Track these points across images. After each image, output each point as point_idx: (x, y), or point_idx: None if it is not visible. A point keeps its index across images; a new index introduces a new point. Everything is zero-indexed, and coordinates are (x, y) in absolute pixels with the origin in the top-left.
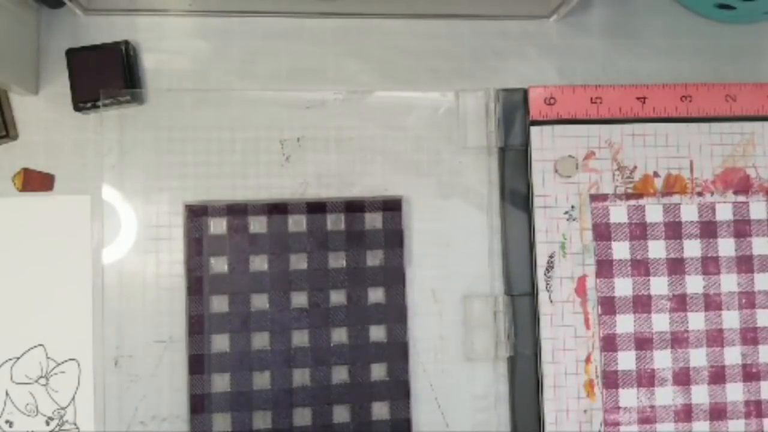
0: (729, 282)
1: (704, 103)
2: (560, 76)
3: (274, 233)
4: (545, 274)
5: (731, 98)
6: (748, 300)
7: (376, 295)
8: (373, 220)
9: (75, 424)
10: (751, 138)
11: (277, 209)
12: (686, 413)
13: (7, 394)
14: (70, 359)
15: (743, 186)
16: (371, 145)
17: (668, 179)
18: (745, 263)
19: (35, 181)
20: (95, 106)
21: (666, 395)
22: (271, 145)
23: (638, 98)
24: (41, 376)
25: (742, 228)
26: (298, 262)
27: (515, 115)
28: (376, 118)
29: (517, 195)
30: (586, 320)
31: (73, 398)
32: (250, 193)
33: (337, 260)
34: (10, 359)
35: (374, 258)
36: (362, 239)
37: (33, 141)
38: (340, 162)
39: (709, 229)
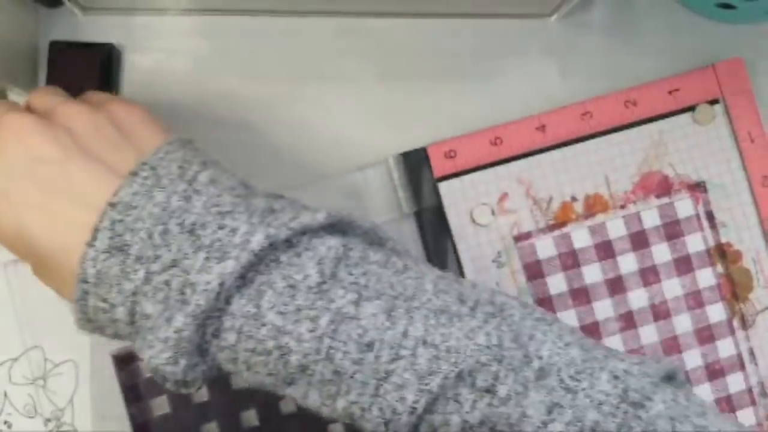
0: (672, 287)
1: (605, 115)
2: (561, 75)
3: None
4: None
5: (631, 103)
6: (696, 300)
7: None
8: None
9: (73, 425)
10: (660, 138)
11: None
12: None
13: (5, 395)
14: (68, 360)
15: (664, 187)
16: None
17: (587, 201)
18: (684, 264)
19: None
20: None
21: None
22: None
23: (537, 128)
24: (39, 377)
25: (672, 230)
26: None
27: (421, 176)
28: None
29: (442, 254)
30: None
31: (71, 399)
32: None
33: None
34: (8, 360)
35: None
36: None
37: None
38: None
39: (640, 240)
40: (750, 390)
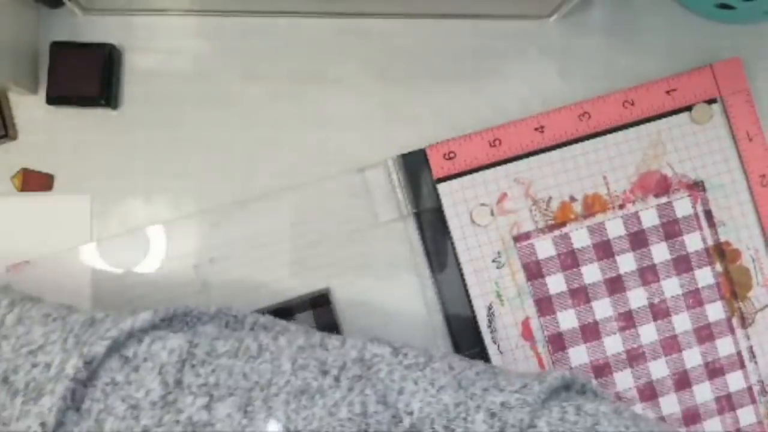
0: (671, 286)
1: (603, 115)
2: (560, 76)
3: None
4: (488, 327)
5: (629, 103)
6: (695, 299)
7: None
8: (307, 320)
9: None
10: (659, 137)
11: None
12: None
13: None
14: None
15: (662, 187)
16: (293, 245)
17: (586, 201)
18: (683, 263)
19: (34, 181)
20: (65, 103)
21: None
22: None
23: (536, 129)
24: None
25: (671, 229)
26: None
27: (420, 177)
28: (285, 219)
29: (442, 255)
30: (540, 361)
31: None
32: None
33: None
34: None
35: None
36: None
37: (32, 141)
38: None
39: (639, 240)
40: (750, 388)
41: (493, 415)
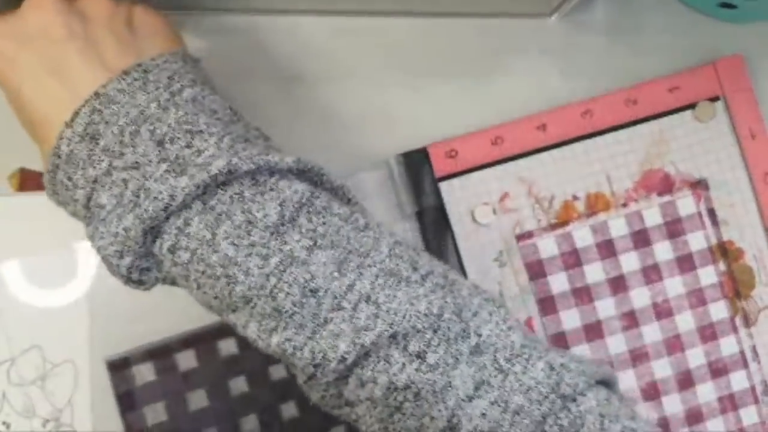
0: (674, 285)
1: (605, 113)
2: (562, 74)
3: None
4: None
5: (631, 102)
6: (698, 298)
7: None
8: None
9: (72, 426)
10: (661, 135)
11: (203, 339)
12: (663, 426)
13: (3, 396)
14: (67, 361)
15: (666, 185)
16: None
17: (589, 199)
18: (686, 262)
19: (32, 181)
20: None
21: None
22: None
23: (538, 127)
24: (38, 378)
25: (674, 228)
26: (238, 385)
27: (422, 176)
28: None
29: (444, 254)
30: None
31: (70, 400)
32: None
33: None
34: (7, 361)
35: None
36: None
37: (30, 140)
38: None
39: (642, 238)
40: (753, 388)
41: (552, 368)
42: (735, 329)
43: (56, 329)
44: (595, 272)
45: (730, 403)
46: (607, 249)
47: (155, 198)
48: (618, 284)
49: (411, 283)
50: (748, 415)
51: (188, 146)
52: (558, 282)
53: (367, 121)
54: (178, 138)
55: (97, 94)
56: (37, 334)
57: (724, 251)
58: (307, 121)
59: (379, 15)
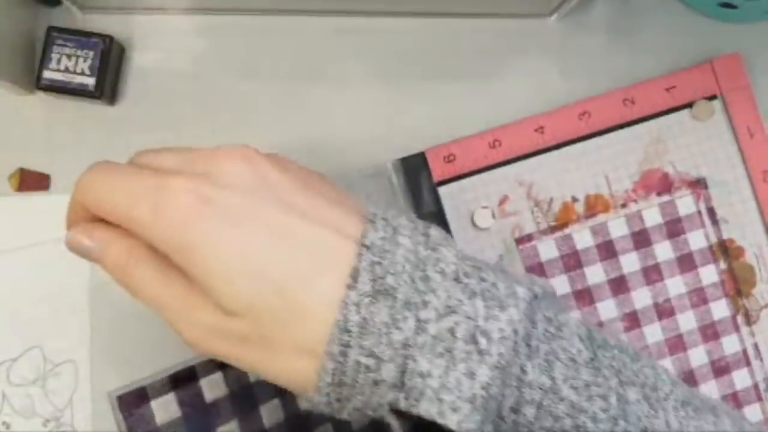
0: (675, 285)
1: (603, 114)
2: (561, 75)
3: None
4: None
5: (629, 102)
6: (699, 297)
7: None
8: None
9: (72, 426)
10: (660, 135)
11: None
12: None
13: (3, 395)
14: (68, 361)
15: (665, 185)
16: None
17: (588, 201)
18: (686, 261)
19: (31, 181)
20: (55, 90)
21: None
22: None
23: (536, 130)
24: (38, 378)
25: (674, 227)
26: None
27: (420, 181)
28: None
29: None
30: None
31: (71, 400)
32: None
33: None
34: (7, 361)
35: None
36: None
37: (29, 140)
38: None
39: (642, 239)
40: (756, 386)
41: (591, 337)
42: (737, 327)
43: (56, 329)
44: (595, 274)
45: (733, 401)
46: (607, 250)
47: (501, 338)
48: (619, 285)
49: (700, 410)
50: (752, 413)
51: (483, 279)
52: (559, 284)
53: (366, 125)
54: (470, 272)
55: (366, 246)
56: (37, 334)
57: (725, 250)
58: (306, 124)
59: (378, 15)
